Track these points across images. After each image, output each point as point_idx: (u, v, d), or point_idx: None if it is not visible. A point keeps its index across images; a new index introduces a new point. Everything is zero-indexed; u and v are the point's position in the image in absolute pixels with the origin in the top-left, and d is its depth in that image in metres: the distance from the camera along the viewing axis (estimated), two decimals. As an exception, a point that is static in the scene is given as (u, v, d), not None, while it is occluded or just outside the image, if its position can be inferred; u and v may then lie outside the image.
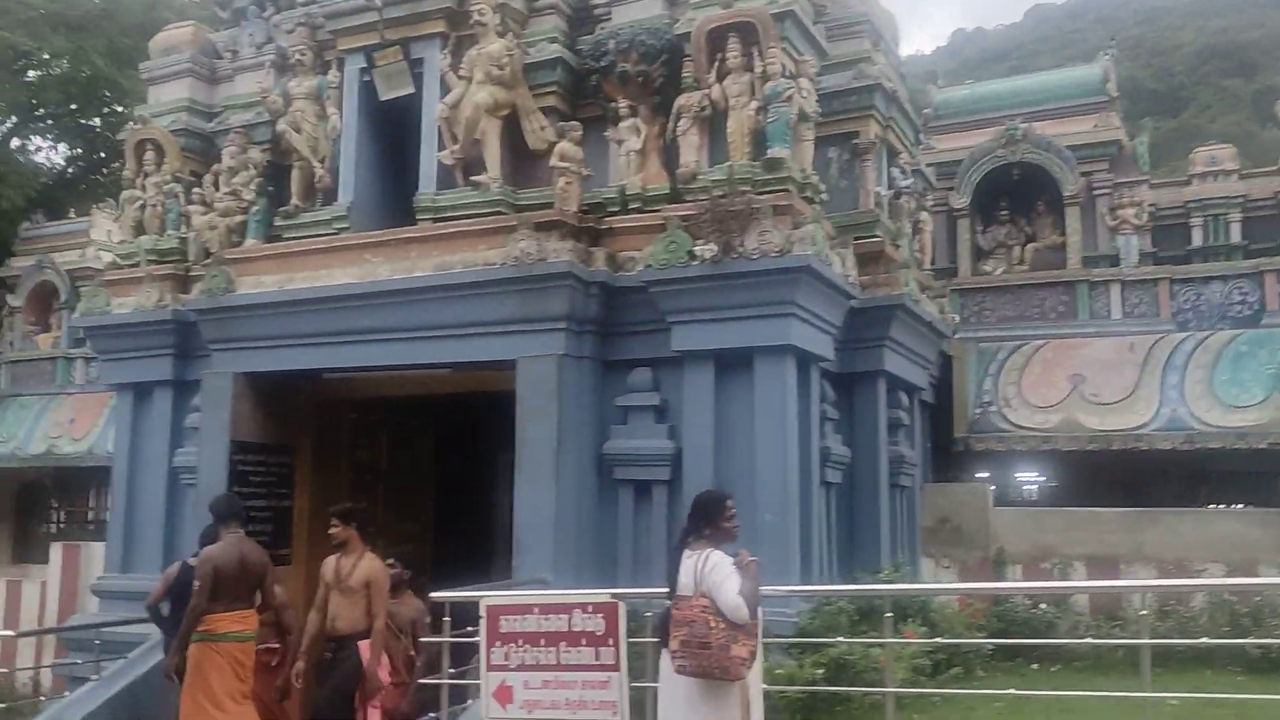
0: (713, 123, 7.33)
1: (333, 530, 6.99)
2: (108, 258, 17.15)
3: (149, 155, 9.29)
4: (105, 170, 23.16)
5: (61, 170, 21.36)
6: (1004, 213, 12.02)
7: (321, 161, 8.36)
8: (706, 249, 6.77)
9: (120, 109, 21.74)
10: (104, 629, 8.21)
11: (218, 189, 9.00)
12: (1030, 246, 11.99)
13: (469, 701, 5.98)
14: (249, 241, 8.60)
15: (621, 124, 7.65)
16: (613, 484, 7.28)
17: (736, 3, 7.22)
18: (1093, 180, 11.62)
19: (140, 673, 7.52)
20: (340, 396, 8.80)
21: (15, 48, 16.92)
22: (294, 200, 8.42)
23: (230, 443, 8.16)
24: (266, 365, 8.25)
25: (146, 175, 9.32)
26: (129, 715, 7.37)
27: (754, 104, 7.12)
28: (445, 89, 7.98)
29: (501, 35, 7.76)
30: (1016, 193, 11.86)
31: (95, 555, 11.81)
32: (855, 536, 8.03)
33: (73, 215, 18.01)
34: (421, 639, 6.23)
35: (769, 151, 6.99)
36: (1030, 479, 12.53)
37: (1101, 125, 11.77)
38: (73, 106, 19.44)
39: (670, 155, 7.60)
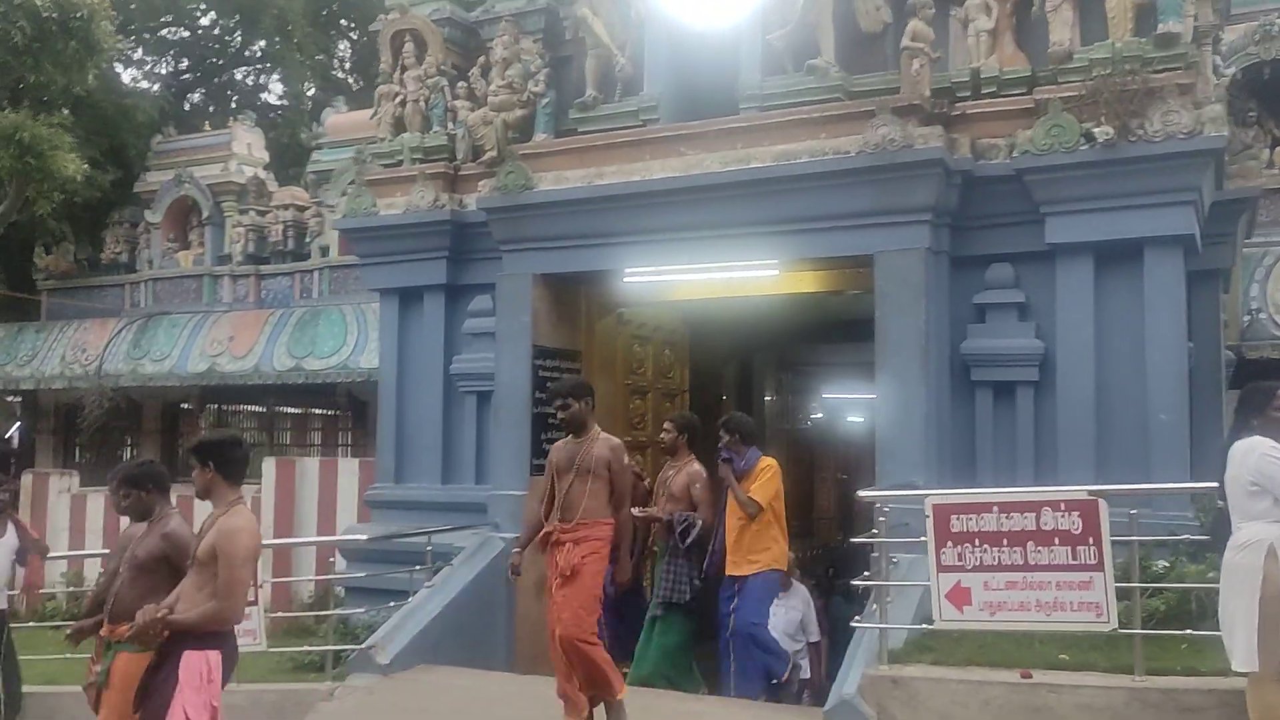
0: (1084, -2, 6.88)
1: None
2: (249, 172, 17.03)
3: (407, 48, 8.89)
4: (216, 80, 22.85)
5: (179, 83, 21.03)
6: (1251, 114, 11.53)
7: (621, 49, 7.95)
8: (1102, 131, 6.39)
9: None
10: (396, 539, 8.06)
11: (487, 82, 8.62)
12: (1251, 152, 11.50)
13: (873, 607, 5.79)
14: (539, 136, 8.30)
15: (969, 2, 7.22)
16: (968, 385, 7.04)
17: None
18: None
19: (470, 577, 7.39)
20: (627, 301, 8.55)
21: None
22: (591, 91, 8.06)
23: (532, 347, 7.93)
24: (567, 266, 8.04)
25: (404, 69, 8.96)
26: (468, 616, 7.27)
27: (1138, -24, 6.67)
28: (766, -32, 7.53)
29: (834, -92, 7.31)
30: (1266, 93, 11.36)
31: (308, 470, 11.73)
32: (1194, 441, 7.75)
33: (207, 128, 17.67)
34: None
35: (1160, 27, 6.59)
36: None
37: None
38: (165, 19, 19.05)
39: (1024, 35, 7.20)
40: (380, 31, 9.11)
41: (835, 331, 10.90)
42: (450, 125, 8.84)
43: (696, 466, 6.99)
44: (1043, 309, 6.88)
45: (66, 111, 12.77)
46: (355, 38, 23.59)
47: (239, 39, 22.60)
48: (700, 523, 6.77)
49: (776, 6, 7.52)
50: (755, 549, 6.72)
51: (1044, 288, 6.87)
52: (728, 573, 6.77)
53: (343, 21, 23.67)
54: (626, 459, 5.77)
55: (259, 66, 23.40)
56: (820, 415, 14.42)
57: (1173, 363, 6.48)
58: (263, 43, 20.89)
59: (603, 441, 5.58)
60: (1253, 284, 10.37)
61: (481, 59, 8.87)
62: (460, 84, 8.87)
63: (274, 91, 24.51)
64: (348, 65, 24.51)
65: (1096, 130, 6.45)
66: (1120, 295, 6.66)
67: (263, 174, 17.29)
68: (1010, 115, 6.98)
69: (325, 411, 17.41)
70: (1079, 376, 6.65)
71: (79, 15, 11.66)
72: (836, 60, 7.42)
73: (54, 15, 11.61)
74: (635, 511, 6.53)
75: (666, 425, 7.24)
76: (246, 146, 17.16)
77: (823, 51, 7.38)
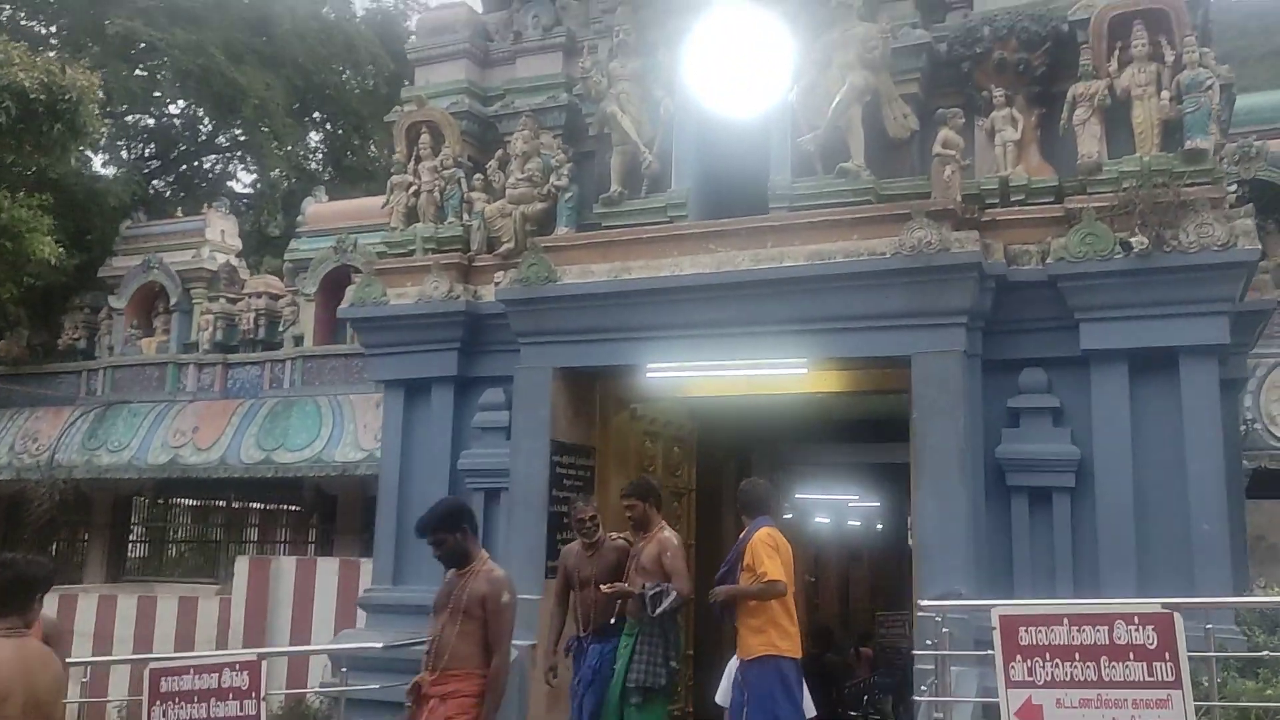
0: (1108, 112, 7.10)
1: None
2: (222, 259, 16.79)
3: (424, 139, 8.89)
4: (183, 168, 22.72)
5: (145, 169, 20.84)
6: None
7: (648, 146, 8.01)
8: (1138, 241, 6.53)
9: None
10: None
11: (505, 175, 8.62)
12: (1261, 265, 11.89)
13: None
14: (560, 229, 8.28)
15: (996, 113, 7.47)
16: (1004, 490, 7.01)
17: None
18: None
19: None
20: (642, 396, 8.45)
21: (135, 37, 16.49)
22: (616, 186, 8.09)
23: (551, 442, 7.76)
24: (588, 360, 7.94)
25: (419, 160, 8.93)
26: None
27: (1164, 94, 6.92)
28: (796, 75, 7.69)
29: (863, 19, 7.52)
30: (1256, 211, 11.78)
31: (284, 570, 11.26)
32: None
33: (180, 213, 17.46)
34: None
35: (1188, 143, 6.82)
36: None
37: (1338, 145, 11.79)
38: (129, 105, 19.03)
39: (1048, 146, 7.40)
40: (396, 123, 9.11)
41: (833, 432, 10.90)
42: (465, 217, 8.78)
43: (667, 534, 6.46)
44: (1078, 414, 6.91)
45: (47, 194, 12.47)
46: (329, 129, 23.73)
47: (210, 126, 22.58)
48: (675, 593, 6.14)
49: (806, 110, 7.66)
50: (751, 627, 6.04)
51: (1078, 393, 6.92)
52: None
53: (316, 114, 23.83)
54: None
55: (229, 155, 23.35)
56: (790, 515, 14.34)
57: (1213, 472, 6.52)
58: (238, 131, 20.84)
59: (483, 576, 5.09)
60: (1245, 395, 10.60)
61: (499, 152, 8.90)
62: (476, 176, 8.86)
63: (242, 180, 24.48)
64: (320, 156, 24.55)
65: (1133, 240, 6.57)
66: (1156, 403, 6.72)
67: (235, 261, 17.06)
68: (1041, 223, 7.12)
69: (290, 508, 16.89)
70: (1117, 484, 6.65)
71: (67, 97, 11.51)
72: (866, 164, 7.53)
73: (41, 97, 11.44)
74: (604, 587, 6.27)
75: (627, 501, 6.61)
76: (220, 233, 16.95)
77: (853, 155, 7.50)
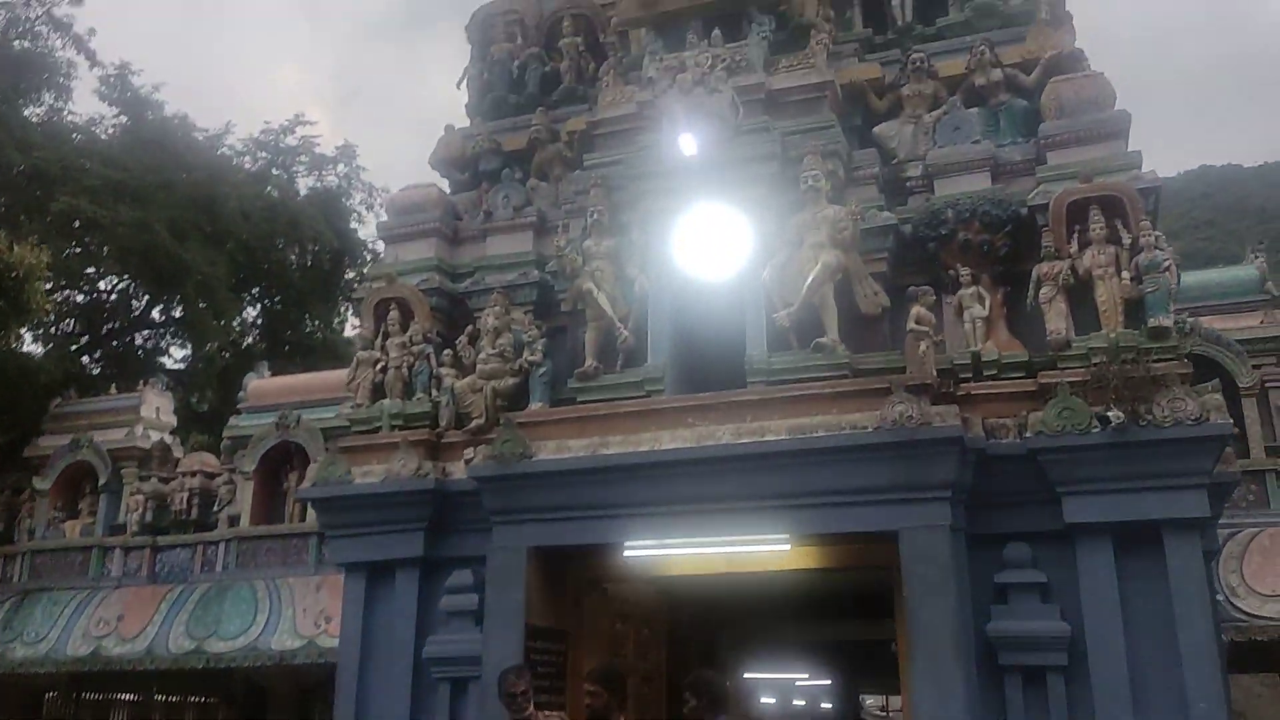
0: (1072, 291, 7.41)
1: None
2: (156, 437, 16.32)
3: (392, 315, 8.89)
4: (114, 344, 22.32)
5: (74, 346, 20.44)
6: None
7: (623, 322, 8.10)
8: (1115, 415, 6.70)
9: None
10: None
11: (475, 350, 8.62)
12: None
13: None
14: (534, 405, 8.23)
15: (963, 291, 7.76)
16: (996, 670, 6.89)
17: (1096, 177, 7.47)
18: (1264, 374, 12.13)
19: None
20: (615, 576, 8.24)
21: (78, 214, 16.46)
22: (591, 361, 8.12)
23: (526, 626, 7.48)
24: (565, 539, 7.76)
25: (387, 336, 8.90)
26: None
27: (1125, 274, 7.26)
28: (768, 253, 7.93)
29: (831, 202, 7.84)
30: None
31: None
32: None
33: (113, 391, 17.03)
34: None
35: (1151, 320, 7.13)
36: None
37: (1268, 321, 12.44)
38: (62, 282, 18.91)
39: (1015, 322, 7.66)
40: (364, 300, 9.10)
41: (807, 609, 10.71)
42: (434, 393, 8.70)
43: None
44: (1065, 590, 6.90)
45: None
46: (268, 304, 23.68)
47: (144, 302, 22.37)
48: None
49: (779, 287, 7.85)
50: None
51: (1064, 568, 6.93)
52: None
53: (255, 289, 23.81)
54: None
55: (162, 331, 23.06)
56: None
57: (1204, 649, 6.51)
58: (174, 307, 20.67)
59: None
60: (1206, 567, 10.73)
61: (469, 327, 8.92)
62: (445, 352, 8.83)
63: (174, 356, 24.10)
64: (257, 331, 24.38)
65: (1110, 413, 6.74)
66: (1143, 577, 6.76)
67: (169, 439, 16.61)
68: (1016, 397, 7.29)
69: (212, 700, 15.86)
70: (1111, 662, 6.59)
71: (13, 275, 11.34)
72: (840, 339, 7.68)
73: (-15, 273, 11.28)
74: None
75: (590, 689, 6.39)
76: (155, 410, 16.56)
77: (828, 331, 7.67)
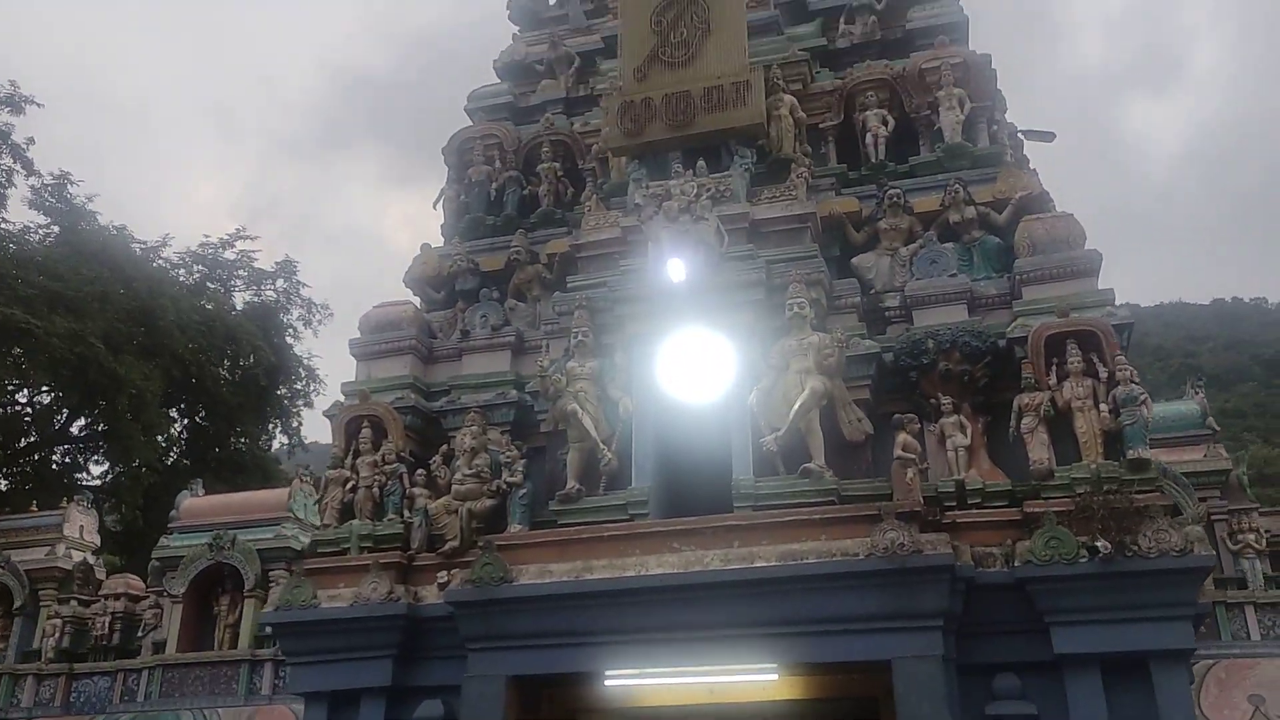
0: (1052, 421, 7.62)
1: None
2: (78, 557, 15.61)
3: (364, 433, 8.76)
4: (29, 459, 21.47)
5: (5, 459, 19.62)
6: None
7: (606, 443, 8.09)
8: (1103, 545, 6.84)
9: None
10: None
11: (451, 471, 8.51)
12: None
13: None
14: (513, 527, 8.12)
15: (945, 419, 7.94)
16: (992, 808, 6.79)
17: (1072, 312, 7.79)
18: (1210, 506, 12.53)
19: None
20: (594, 705, 8.00)
21: (13, 323, 16.00)
22: (573, 483, 8.05)
23: (503, 761, 7.19)
24: (545, 667, 7.59)
25: (358, 455, 8.74)
26: None
27: (1103, 407, 7.50)
28: (753, 378, 8.05)
29: (815, 329, 8.03)
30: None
31: None
32: None
33: (34, 508, 16.33)
34: None
35: (1129, 453, 7.36)
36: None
37: (1210, 455, 12.92)
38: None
39: (997, 450, 7.82)
40: (335, 417, 8.94)
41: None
42: (406, 514, 8.52)
43: None
44: (1055, 721, 6.88)
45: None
46: (197, 420, 23.11)
47: (65, 416, 21.65)
48: None
49: (765, 412, 7.94)
50: None
51: (1054, 698, 6.96)
52: None
53: (182, 404, 23.24)
54: None
55: (83, 446, 22.27)
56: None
57: (1198, 781, 6.52)
58: (103, 424, 20.03)
59: None
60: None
61: (444, 447, 8.81)
62: (419, 472, 8.70)
63: (91, 473, 23.22)
64: (183, 446, 23.69)
65: (1097, 543, 6.87)
66: (1133, 708, 6.80)
67: (91, 559, 15.92)
68: (1001, 526, 7.41)
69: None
70: (1105, 796, 6.56)
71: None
72: (826, 465, 7.76)
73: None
74: None
75: None
76: (79, 529, 15.91)
77: (814, 456, 7.75)
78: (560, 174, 10.26)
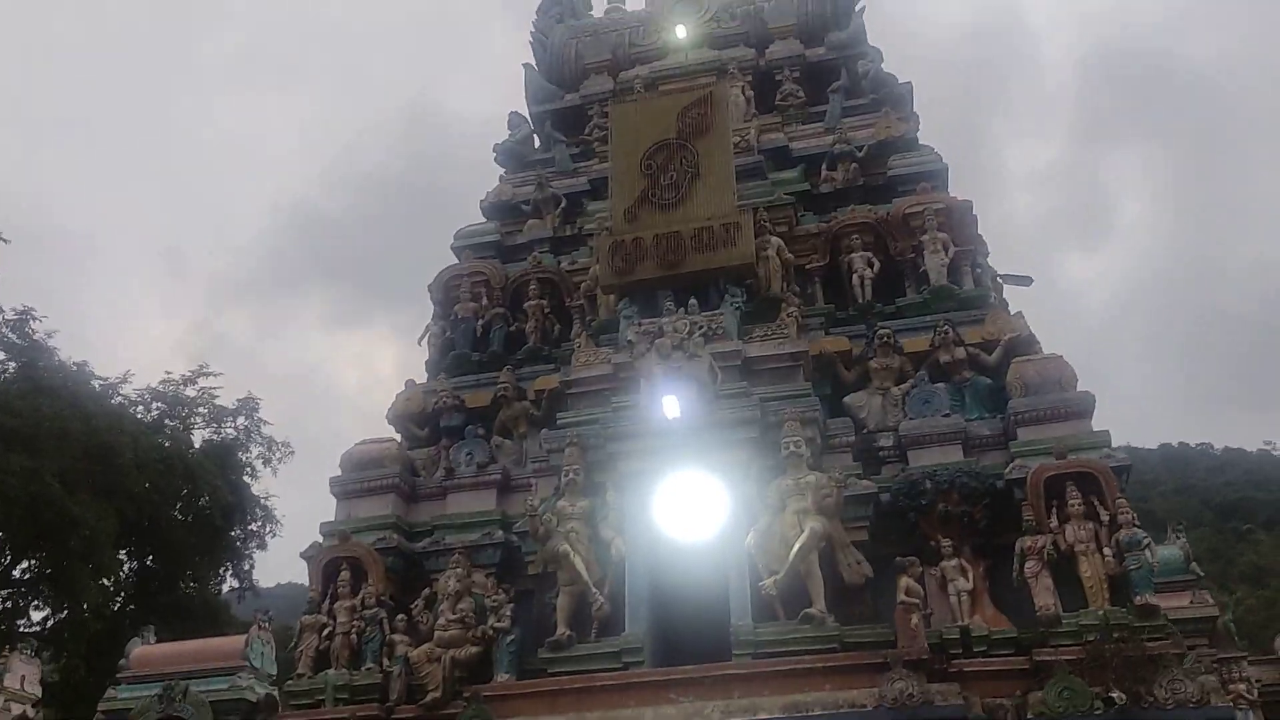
0: (1055, 566, 7.50)
1: None
2: (18, 709, 14.73)
3: (343, 575, 8.43)
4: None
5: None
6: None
7: (598, 587, 7.83)
8: (1119, 696, 6.65)
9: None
10: None
11: (434, 616, 8.17)
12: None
13: None
14: (500, 676, 7.80)
15: (946, 563, 7.82)
16: None
17: (1070, 454, 7.76)
18: (1197, 654, 12.27)
19: None
20: None
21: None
22: (563, 629, 7.75)
23: None
24: (534, 831, 7.04)
25: (335, 599, 8.39)
26: None
27: (1106, 551, 7.41)
28: (749, 518, 7.88)
29: (812, 468, 7.93)
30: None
31: None
32: None
33: (-26, 656, 15.49)
34: None
35: (1137, 599, 7.25)
36: None
37: (1196, 601, 12.79)
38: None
39: (999, 594, 7.66)
40: (313, 558, 8.62)
41: None
42: (385, 662, 8.12)
43: None
44: None
45: None
46: (148, 563, 22.23)
47: (8, 559, 20.73)
48: None
49: (763, 554, 7.76)
50: None
51: None
52: None
53: (132, 545, 22.39)
54: None
55: (24, 590, 21.25)
56: None
57: None
58: (49, 568, 19.18)
59: None
60: None
61: (426, 590, 8.50)
62: (399, 617, 8.34)
63: (32, 619, 22.10)
64: (131, 589, 22.69)
65: (1113, 694, 6.66)
66: None
67: (31, 712, 15.04)
68: (1010, 675, 7.22)
69: None
70: None
71: None
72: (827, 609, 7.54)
73: None
74: None
75: None
76: (20, 679, 15.07)
77: (814, 600, 7.56)
78: (547, 311, 10.24)
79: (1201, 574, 13.66)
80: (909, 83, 11.50)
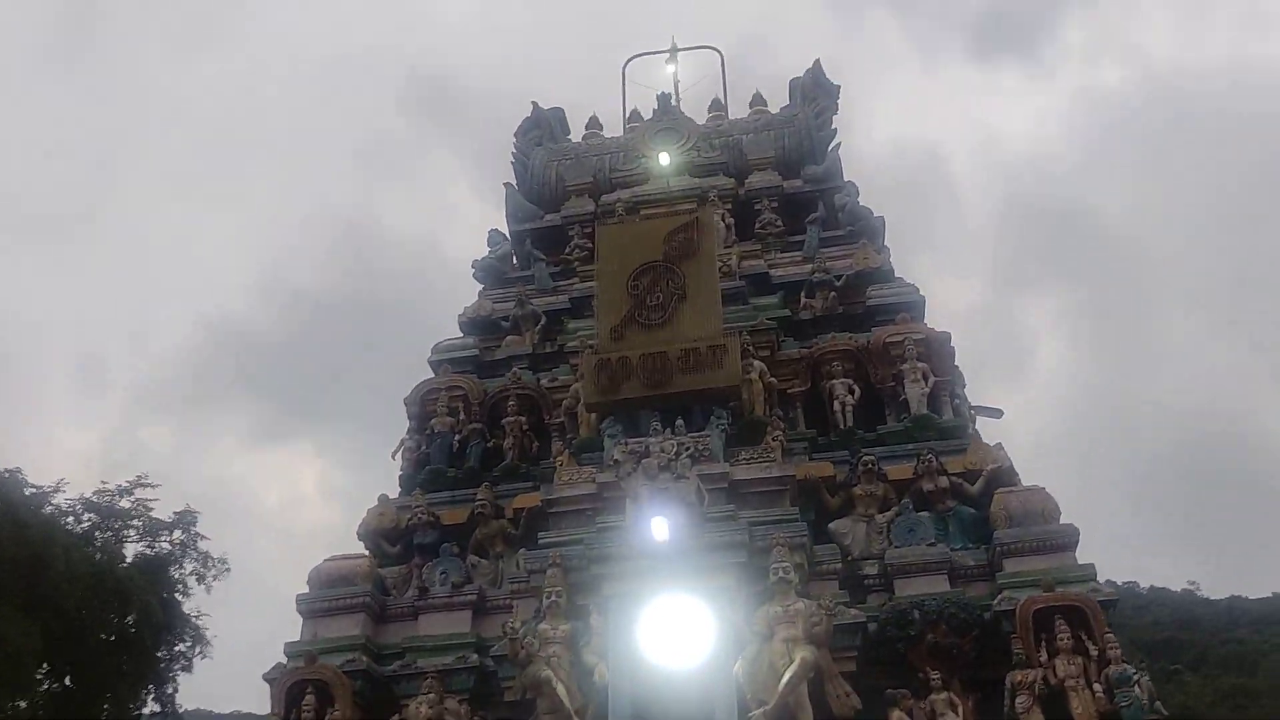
0: (1046, 700, 7.43)
1: None
2: None
3: (307, 700, 8.05)
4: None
5: None
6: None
7: (579, 714, 7.57)
8: (1118, 838, 6.52)
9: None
10: None
11: (403, 744, 7.82)
12: None
13: None
14: (478, 810, 7.34)
15: (935, 696, 7.71)
16: None
17: (1057, 586, 7.78)
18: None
19: None
20: None
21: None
22: (545, 762, 7.43)
23: None
24: None
25: (297, 727, 7.98)
26: None
27: (1097, 687, 7.38)
28: (736, 645, 7.72)
29: (800, 595, 7.84)
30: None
31: None
32: None
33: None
34: None
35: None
36: None
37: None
38: None
39: None
40: (275, 681, 8.23)
41: None
42: (352, 796, 7.71)
43: None
44: None
45: None
46: (68, 683, 21.07)
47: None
48: None
49: (750, 683, 7.58)
50: None
51: None
52: None
53: (53, 663, 21.25)
54: None
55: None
56: None
57: None
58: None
59: None
60: None
61: (395, 717, 8.11)
62: (366, 743, 7.94)
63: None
64: (48, 711, 21.42)
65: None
66: None
67: None
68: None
69: None
70: None
71: None
72: (820, 744, 7.36)
73: None
74: None
75: None
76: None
77: (805, 734, 7.33)
78: (526, 428, 10.14)
79: (1166, 713, 13.53)
80: (882, 217, 11.90)
